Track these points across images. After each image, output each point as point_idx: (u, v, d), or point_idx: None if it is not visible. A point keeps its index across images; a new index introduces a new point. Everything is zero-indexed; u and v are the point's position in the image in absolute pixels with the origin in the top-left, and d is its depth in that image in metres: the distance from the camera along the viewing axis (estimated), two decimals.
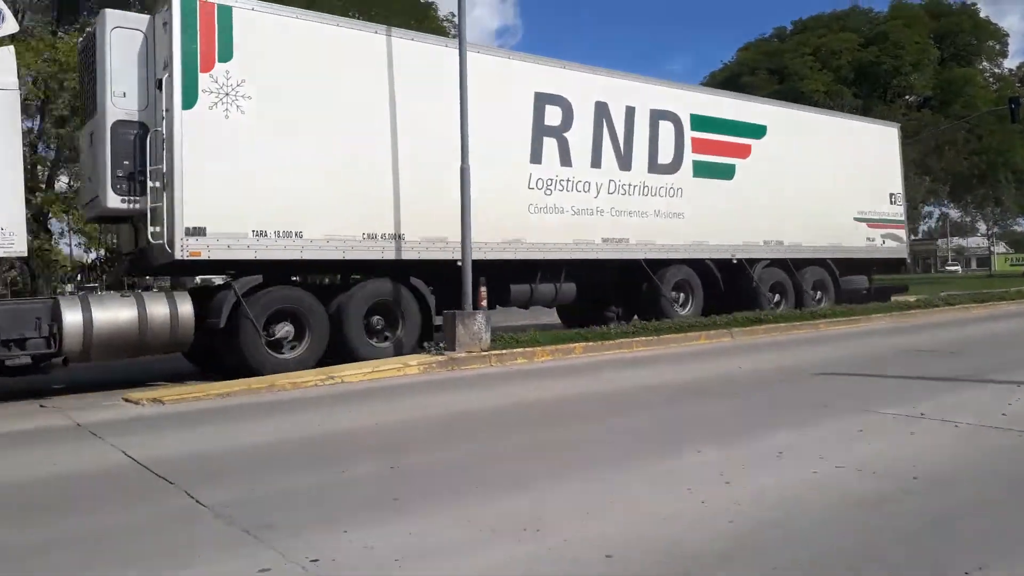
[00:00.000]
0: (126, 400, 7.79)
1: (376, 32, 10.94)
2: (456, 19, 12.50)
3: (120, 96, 9.10)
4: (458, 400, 7.76)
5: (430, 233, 10.98)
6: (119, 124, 9.10)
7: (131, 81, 9.22)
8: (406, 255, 10.80)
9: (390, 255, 10.65)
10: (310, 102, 9.99)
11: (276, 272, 9.93)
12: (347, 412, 7.24)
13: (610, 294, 14.47)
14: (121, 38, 9.24)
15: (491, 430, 6.10)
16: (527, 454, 5.20)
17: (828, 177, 16.52)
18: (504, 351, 10.46)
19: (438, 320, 11.05)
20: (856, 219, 17.32)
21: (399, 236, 10.71)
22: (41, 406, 7.84)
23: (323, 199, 10.03)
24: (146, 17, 9.60)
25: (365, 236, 10.38)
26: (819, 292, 16.71)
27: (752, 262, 15.16)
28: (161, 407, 7.51)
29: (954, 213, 51.52)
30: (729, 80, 46.56)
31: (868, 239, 17.54)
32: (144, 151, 9.02)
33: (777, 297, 15.71)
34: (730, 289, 14.76)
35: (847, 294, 17.18)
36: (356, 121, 10.38)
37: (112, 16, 9.38)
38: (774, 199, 15.46)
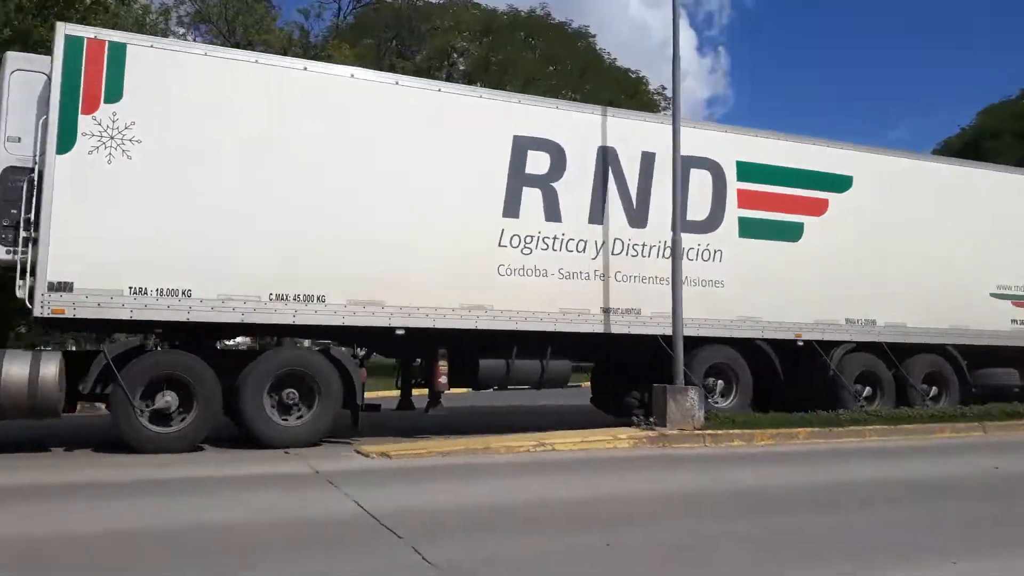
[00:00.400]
0: (358, 452, 8.34)
1: (299, 68, 9.87)
2: (668, 91, 12.54)
3: (15, 141, 8.50)
4: (673, 479, 7.49)
5: (359, 295, 9.41)
6: (10, 170, 8.43)
7: (28, 126, 8.58)
8: (325, 320, 9.29)
9: (305, 319, 9.18)
10: (209, 148, 8.95)
11: (185, 333, 9.08)
12: (561, 481, 7.23)
13: (640, 376, 11.50)
14: (21, 81, 8.69)
15: (704, 515, 5.81)
16: (751, 544, 4.85)
17: (948, 241, 13.16)
18: (719, 431, 9.98)
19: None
20: (994, 295, 13.59)
21: (319, 298, 9.22)
22: (286, 452, 8.59)
23: (218, 255, 8.84)
24: (48, 59, 8.76)
25: (273, 297, 8.99)
26: (934, 387, 13.15)
27: (829, 345, 12.14)
28: (388, 461, 7.97)
29: None
30: (968, 146, 42.61)
31: (1014, 320, 13.70)
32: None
33: (868, 391, 12.53)
34: (797, 378, 12.06)
35: (987, 390, 13.47)
36: (258, 168, 9.14)
37: (14, 59, 8.94)
38: (863, 267, 12.40)
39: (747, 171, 11.97)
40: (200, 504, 5.90)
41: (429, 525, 5.18)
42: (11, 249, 8.30)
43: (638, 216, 11.30)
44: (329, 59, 27.52)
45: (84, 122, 8.42)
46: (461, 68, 34.46)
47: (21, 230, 8.23)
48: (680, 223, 10.55)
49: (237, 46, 26.63)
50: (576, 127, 11.00)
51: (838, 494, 6.75)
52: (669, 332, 10.54)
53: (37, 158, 8.41)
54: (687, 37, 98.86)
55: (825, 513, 5.89)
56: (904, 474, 7.77)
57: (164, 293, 8.53)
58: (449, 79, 34.48)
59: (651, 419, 10.36)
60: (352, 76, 10.19)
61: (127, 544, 4.68)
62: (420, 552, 4.38)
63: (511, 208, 10.47)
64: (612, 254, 11.04)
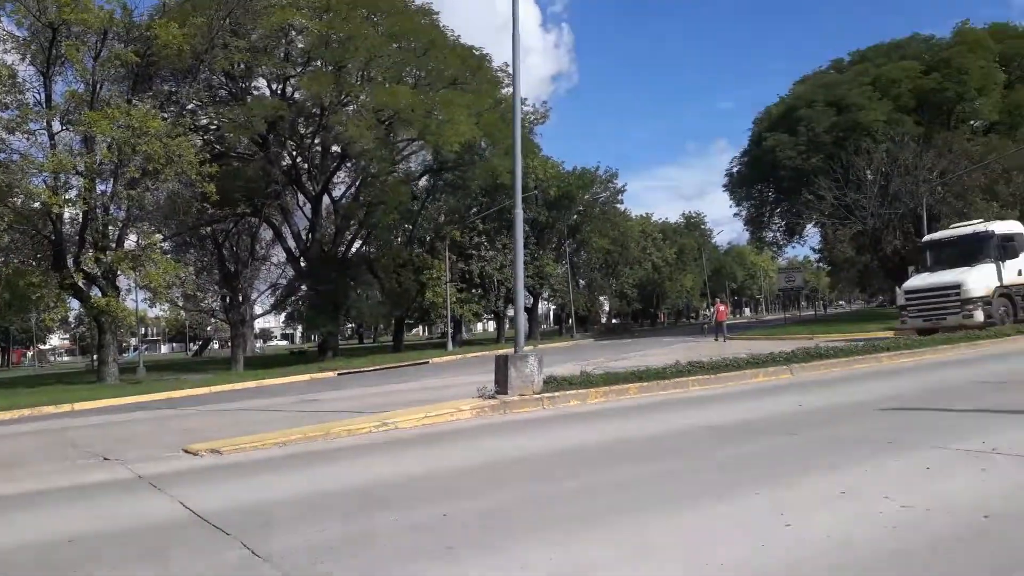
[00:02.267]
0: (185, 451, 7.98)
1: None
2: (510, 68, 12.76)
3: None
4: (510, 445, 7.70)
5: None
6: None
7: None
8: None
9: None
10: None
11: None
12: (402, 458, 7.26)
13: None
14: None
15: (542, 475, 6.01)
16: (579, 499, 5.09)
17: None
18: (556, 393, 10.38)
19: None
20: None
21: None
22: (104, 459, 8.08)
23: None
24: None
25: None
26: None
27: None
28: (220, 457, 7.67)
29: None
30: (784, 114, 46.10)
31: None
32: None
33: None
34: None
35: None
36: None
37: None
38: None
39: None
40: (8, 522, 5.44)
41: (261, 519, 5.04)
42: None
43: None
44: (156, 39, 25.61)
45: None
46: (300, 46, 33.15)
47: None
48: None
49: (50, 27, 24.24)
50: None
51: (658, 443, 7.22)
52: None
53: None
54: (531, 14, 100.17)
55: (645, 462, 6.27)
56: (720, 418, 8.37)
57: None
58: (287, 58, 33.17)
59: (495, 388, 10.63)
60: None
61: None
62: (249, 547, 4.28)
63: None
64: None
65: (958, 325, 19.59)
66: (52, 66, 25.78)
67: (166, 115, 27.70)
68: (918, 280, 22.15)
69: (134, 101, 25.57)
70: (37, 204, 24.73)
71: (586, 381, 10.98)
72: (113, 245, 26.43)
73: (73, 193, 25.10)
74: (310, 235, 37.83)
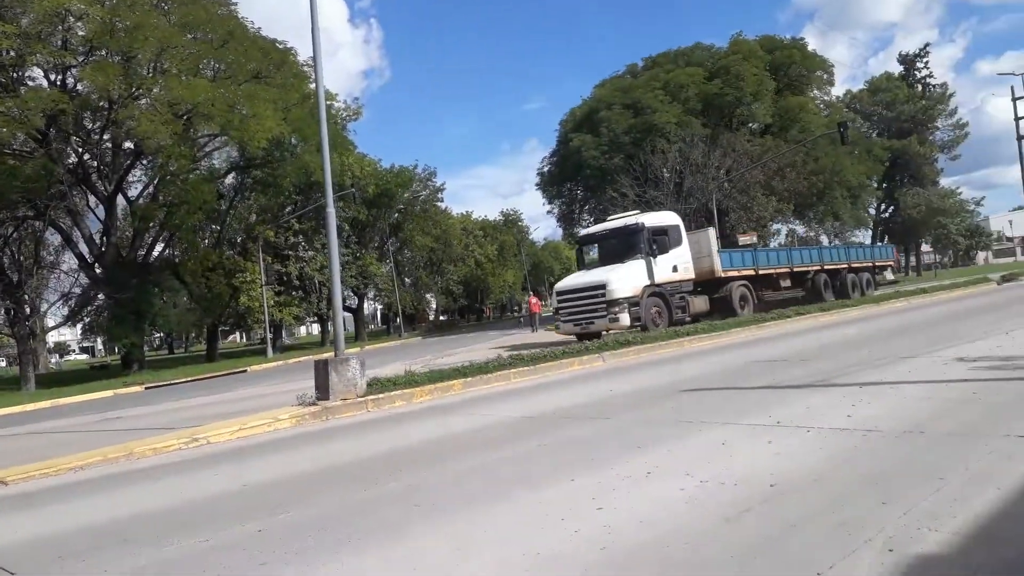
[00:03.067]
0: None
1: None
2: (314, 63, 12.38)
3: None
4: (329, 452, 7.50)
5: None
6: None
7: None
8: None
9: None
10: None
11: None
12: (213, 475, 6.84)
13: None
14: None
15: (362, 480, 5.90)
16: (400, 501, 5.07)
17: None
18: (381, 395, 10.26)
19: None
20: None
21: None
22: None
23: None
24: None
25: None
26: None
27: None
28: (4, 488, 6.83)
29: (800, 229, 55.50)
30: (587, 116, 48.45)
31: None
32: None
33: None
34: None
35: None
36: None
37: None
38: None
39: None
40: None
41: (53, 552, 4.58)
42: None
43: None
44: None
45: None
46: (80, 33, 30.04)
47: None
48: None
49: None
50: None
51: (481, 436, 7.36)
52: None
53: None
54: (338, 8, 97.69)
55: (468, 456, 6.37)
56: (540, 407, 8.65)
57: None
58: (66, 46, 29.96)
59: (315, 394, 10.32)
60: None
61: None
62: None
63: None
64: None
65: (606, 330, 18.39)
66: None
67: None
68: (569, 280, 20.59)
69: None
70: None
71: (411, 380, 10.94)
72: None
73: None
74: (104, 239, 34.52)
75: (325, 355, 11.79)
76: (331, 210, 11.35)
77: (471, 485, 5.32)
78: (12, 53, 28.12)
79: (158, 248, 38.76)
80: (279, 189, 41.62)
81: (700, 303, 21.31)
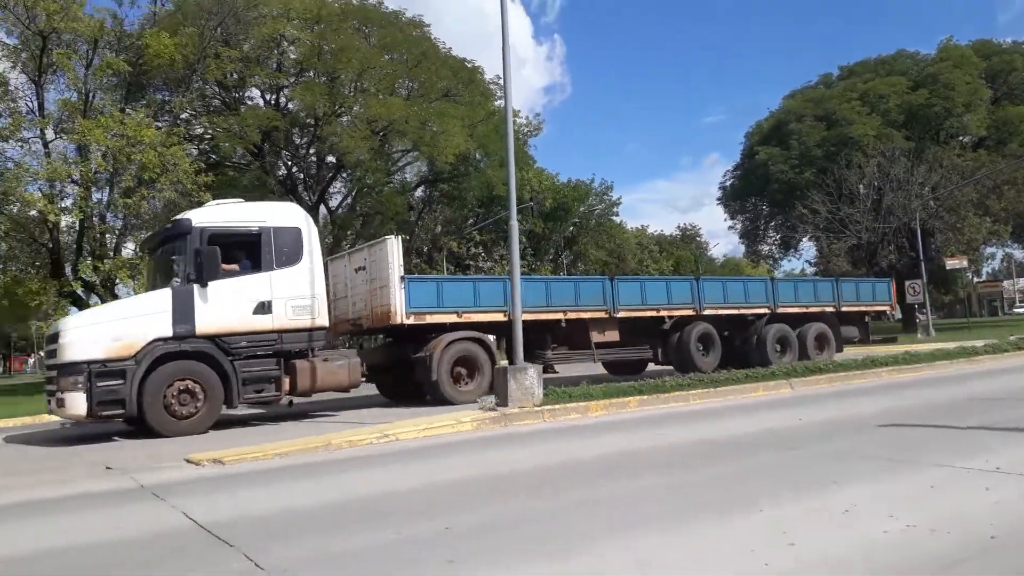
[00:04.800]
0: (188, 461, 7.95)
1: None
2: (502, 80, 12.83)
3: None
4: (511, 457, 7.69)
5: None
6: None
7: None
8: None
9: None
10: None
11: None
12: (402, 471, 7.24)
13: None
14: None
15: (543, 488, 6.01)
16: (579, 513, 5.10)
17: None
18: (556, 406, 10.39)
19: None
20: None
21: None
22: (108, 468, 8.05)
23: None
24: None
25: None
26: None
27: None
28: (221, 468, 7.64)
29: (1018, 254, 49.72)
30: (775, 128, 46.43)
31: None
32: None
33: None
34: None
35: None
36: None
37: None
38: None
39: None
40: (8, 533, 5.40)
41: (262, 530, 5.04)
42: None
43: None
44: (146, 48, 25.64)
45: None
46: (292, 56, 33.23)
47: None
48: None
49: (40, 35, 24.27)
50: None
51: (659, 457, 7.24)
52: None
53: None
54: (523, 25, 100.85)
55: (646, 476, 6.29)
56: (722, 432, 8.40)
57: None
58: (280, 68, 33.25)
59: (495, 400, 10.63)
60: None
61: None
62: (252, 559, 4.26)
63: None
64: None
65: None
66: (44, 74, 25.80)
67: (160, 124, 27.70)
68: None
69: (127, 110, 25.56)
70: (33, 212, 24.64)
71: (586, 394, 10.99)
72: (111, 253, 26.34)
73: (69, 201, 25.07)
74: None
75: (503, 363, 12.12)
76: (514, 222, 11.59)
77: (651, 505, 5.25)
78: (235, 76, 31.60)
79: None
80: (463, 202, 43.45)
81: (329, 370, 11.77)
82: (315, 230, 12.20)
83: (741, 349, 17.33)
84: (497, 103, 38.30)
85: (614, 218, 55.66)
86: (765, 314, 17.56)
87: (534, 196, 45.26)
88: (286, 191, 36.31)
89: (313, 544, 4.64)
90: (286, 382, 11.32)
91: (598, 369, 16.97)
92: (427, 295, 13.40)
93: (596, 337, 15.23)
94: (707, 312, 16.71)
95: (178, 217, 12.07)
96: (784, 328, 17.62)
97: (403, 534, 4.76)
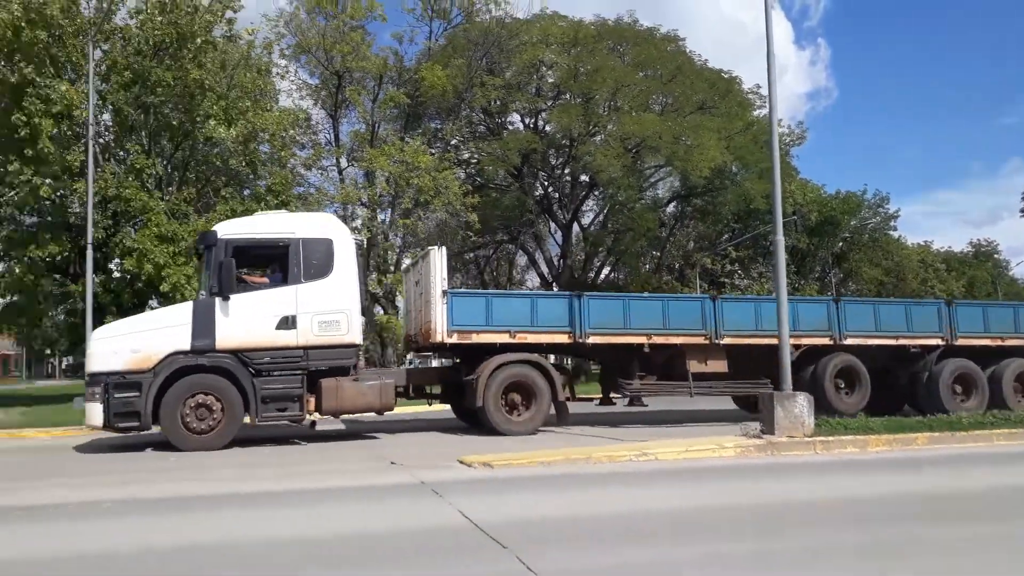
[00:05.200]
0: (460, 462, 8.47)
1: None
2: (763, 90, 12.20)
3: None
4: (780, 488, 7.23)
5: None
6: None
7: None
8: None
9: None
10: None
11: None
12: (665, 491, 7.10)
13: None
14: None
15: (818, 526, 5.55)
16: (864, 555, 4.63)
17: None
18: (831, 437, 9.58)
19: None
20: None
21: None
22: (392, 463, 8.83)
23: None
24: None
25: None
26: None
27: None
28: (490, 471, 8.05)
29: None
30: None
31: None
32: None
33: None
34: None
35: None
36: None
37: None
38: None
39: None
40: (304, 517, 6.08)
41: (533, 535, 5.19)
42: None
43: None
44: (422, 81, 28.36)
45: None
46: (550, 80, 34.67)
47: None
48: None
49: (336, 75, 27.87)
50: None
51: (956, 505, 6.35)
52: None
53: None
54: (783, 30, 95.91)
55: (941, 525, 5.53)
56: None
57: None
58: (538, 93, 34.87)
59: (759, 427, 10.06)
60: None
61: (225, 557, 4.91)
62: (524, 562, 4.40)
63: None
64: None
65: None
66: (339, 109, 29.71)
67: (433, 151, 30.35)
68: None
69: (406, 138, 28.31)
70: None
71: (864, 427, 10.03)
72: (392, 268, 29.24)
73: (358, 222, 28.25)
74: (561, 261, 39.06)
75: (768, 389, 11.41)
76: (780, 237, 10.84)
77: (946, 561, 4.57)
78: (498, 102, 33.67)
79: (605, 271, 42.35)
80: (718, 217, 42.13)
81: (359, 391, 11.08)
82: (350, 241, 11.41)
83: (907, 389, 14.38)
84: (756, 113, 36.80)
85: (891, 232, 50.57)
86: (937, 346, 14.21)
87: (797, 209, 42.51)
88: (542, 210, 37.86)
89: (580, 553, 4.71)
90: (311, 401, 10.73)
91: (713, 403, 15.20)
92: (473, 312, 12.09)
93: (695, 367, 12.96)
94: (850, 342, 13.72)
95: (217, 227, 11.63)
96: (967, 365, 14.08)
97: (667, 554, 4.66)
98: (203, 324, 10.32)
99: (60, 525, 5.80)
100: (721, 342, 12.91)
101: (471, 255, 40.30)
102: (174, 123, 20.66)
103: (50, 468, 9.20)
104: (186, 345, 10.26)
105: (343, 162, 29.88)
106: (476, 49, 30.41)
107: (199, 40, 19.57)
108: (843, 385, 13.57)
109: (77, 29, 18.91)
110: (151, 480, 7.89)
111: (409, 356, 29.05)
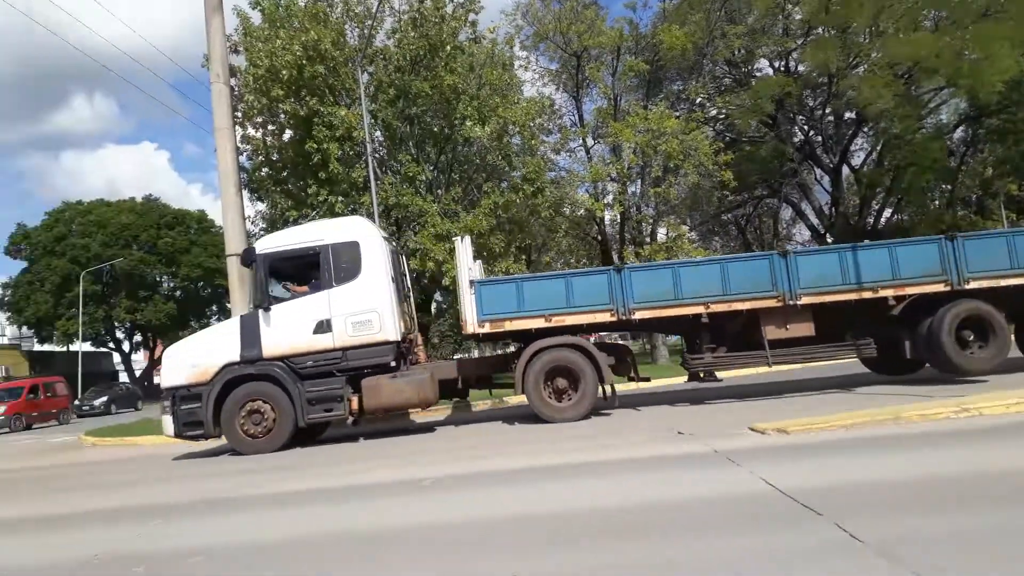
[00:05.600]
0: (751, 429, 8.20)
1: None
2: None
3: None
4: None
5: None
6: None
7: None
8: None
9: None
10: None
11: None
12: (998, 451, 6.29)
13: None
14: None
15: None
16: None
17: None
18: None
19: None
20: None
21: None
22: (679, 433, 8.80)
23: None
24: None
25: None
26: None
27: None
28: (785, 437, 7.70)
29: None
30: None
31: None
32: None
33: None
34: None
35: None
36: None
37: None
38: None
39: None
40: (600, 486, 6.26)
41: (847, 502, 4.87)
42: None
43: None
44: (660, 44, 27.79)
45: None
46: (797, 18, 32.02)
47: None
48: None
49: (575, 55, 28.32)
50: None
51: None
52: None
53: None
54: None
55: None
56: None
57: None
58: (786, 33, 32.37)
59: None
60: None
61: (530, 527, 5.18)
62: (845, 529, 4.19)
63: None
64: None
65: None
66: (580, 89, 30.20)
67: (678, 113, 29.60)
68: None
69: (649, 106, 27.90)
70: (582, 211, 28.73)
71: None
72: (648, 239, 29.16)
73: (610, 198, 28.54)
74: (832, 209, 36.09)
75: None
76: None
77: None
78: (743, 51, 31.82)
79: (886, 213, 38.41)
80: (1020, 136, 36.10)
81: (396, 388, 11.13)
82: (378, 241, 11.72)
83: None
84: None
85: None
86: None
87: None
88: (804, 157, 35.21)
89: (902, 520, 4.35)
90: (354, 400, 11.14)
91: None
92: (504, 299, 11.70)
93: (772, 333, 11.51)
94: (974, 285, 11.28)
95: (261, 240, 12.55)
96: None
97: (1013, 524, 4.13)
98: (250, 335, 11.23)
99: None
100: (798, 303, 11.43)
101: (728, 216, 38.69)
102: (435, 129, 22.30)
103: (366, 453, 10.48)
104: (236, 356, 11.19)
105: (589, 141, 30.34)
106: (714, 0, 29.10)
107: (448, 47, 20.88)
108: (973, 337, 11.27)
109: (346, 58, 21.10)
110: (435, 462, 8.67)
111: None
